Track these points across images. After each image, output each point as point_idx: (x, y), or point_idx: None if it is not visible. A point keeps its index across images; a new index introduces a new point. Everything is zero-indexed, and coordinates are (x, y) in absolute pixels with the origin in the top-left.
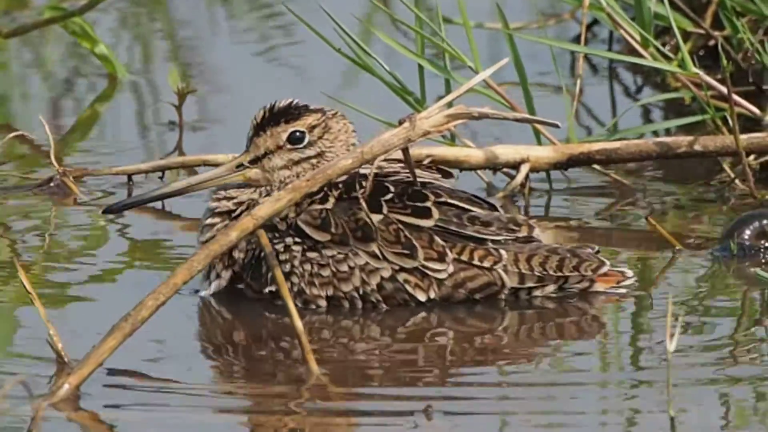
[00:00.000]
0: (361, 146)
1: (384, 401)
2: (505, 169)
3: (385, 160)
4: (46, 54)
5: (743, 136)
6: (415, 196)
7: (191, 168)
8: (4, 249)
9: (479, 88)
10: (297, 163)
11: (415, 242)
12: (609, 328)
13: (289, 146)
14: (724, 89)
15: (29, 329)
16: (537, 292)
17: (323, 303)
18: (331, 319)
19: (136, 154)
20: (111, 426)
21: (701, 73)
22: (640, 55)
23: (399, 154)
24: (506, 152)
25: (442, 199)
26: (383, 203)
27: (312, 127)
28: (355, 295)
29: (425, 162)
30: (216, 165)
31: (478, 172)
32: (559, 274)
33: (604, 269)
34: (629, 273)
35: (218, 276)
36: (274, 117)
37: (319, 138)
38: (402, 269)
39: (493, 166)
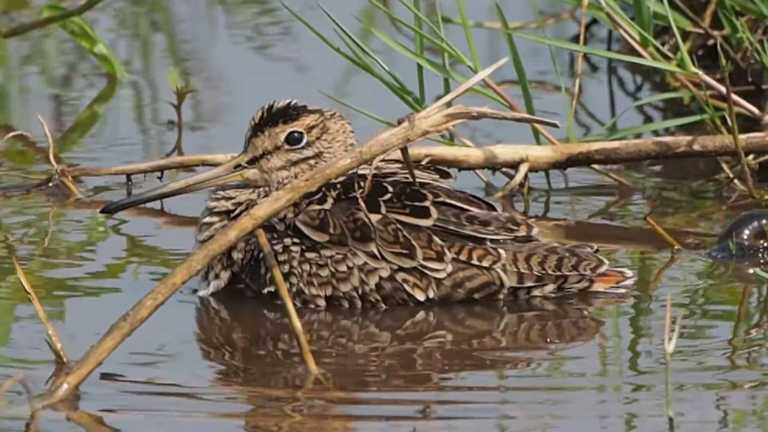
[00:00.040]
0: (360, 146)
1: (382, 401)
2: (504, 169)
3: (383, 161)
4: (46, 54)
5: (742, 136)
6: (413, 196)
7: (190, 168)
8: (3, 249)
9: (478, 88)
10: (295, 163)
11: (413, 242)
12: (608, 329)
13: (287, 147)
14: (723, 89)
15: (28, 329)
16: (536, 292)
17: (322, 303)
18: (329, 319)
19: (135, 154)
20: (109, 426)
21: (700, 72)
22: (640, 55)
23: (398, 155)
24: (505, 152)
25: (441, 199)
26: (381, 203)
27: (310, 128)
28: (354, 294)
29: (424, 162)
30: (215, 165)
31: (477, 171)
32: (558, 273)
33: (603, 268)
34: (629, 273)
35: (217, 277)
36: (272, 117)
37: (317, 139)
38: (401, 269)
39: (492, 165)
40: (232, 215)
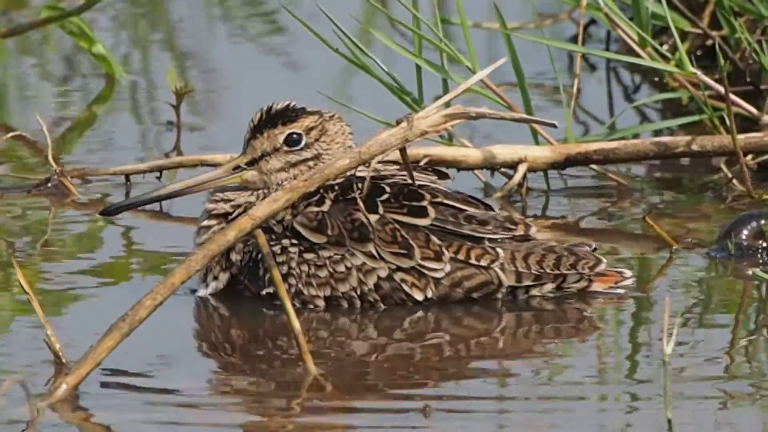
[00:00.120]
0: (359, 146)
1: (381, 401)
2: (502, 169)
3: (380, 162)
4: (44, 54)
5: (741, 136)
6: (411, 196)
7: (189, 168)
8: (2, 249)
9: (477, 88)
10: (294, 165)
11: (411, 242)
12: (607, 330)
13: (286, 148)
14: (721, 89)
15: (27, 329)
16: (535, 291)
17: (321, 303)
18: (328, 319)
19: (134, 154)
20: (108, 426)
21: (699, 72)
22: (638, 55)
23: (396, 155)
24: (504, 152)
25: (438, 199)
26: (379, 203)
27: (309, 129)
28: (353, 295)
29: (422, 162)
30: (214, 165)
31: (476, 172)
32: (557, 272)
33: (602, 267)
34: (627, 273)
35: (215, 278)
36: (271, 119)
37: (316, 140)
38: (399, 269)
39: (491, 166)
40: (231, 217)
